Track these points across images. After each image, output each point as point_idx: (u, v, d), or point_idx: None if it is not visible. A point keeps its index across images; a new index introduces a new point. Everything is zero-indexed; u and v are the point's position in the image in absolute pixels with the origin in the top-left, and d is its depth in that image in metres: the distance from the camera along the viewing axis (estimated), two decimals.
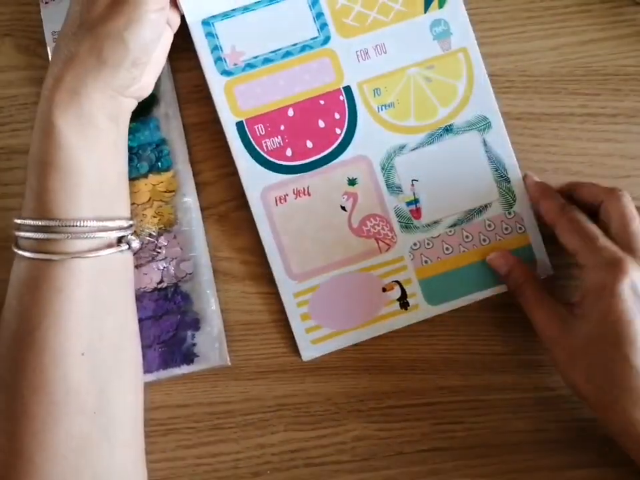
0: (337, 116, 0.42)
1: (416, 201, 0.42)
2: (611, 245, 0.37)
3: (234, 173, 0.42)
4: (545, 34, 0.44)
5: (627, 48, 0.44)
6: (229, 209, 0.43)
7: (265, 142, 0.42)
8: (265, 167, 0.42)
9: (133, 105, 0.39)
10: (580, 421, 0.43)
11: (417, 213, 0.42)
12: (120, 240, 0.38)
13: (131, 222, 0.38)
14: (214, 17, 0.41)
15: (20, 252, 0.35)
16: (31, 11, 0.43)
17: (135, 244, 0.38)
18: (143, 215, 0.42)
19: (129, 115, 0.38)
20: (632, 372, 0.35)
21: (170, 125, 0.42)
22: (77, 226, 0.35)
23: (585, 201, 0.40)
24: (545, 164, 0.44)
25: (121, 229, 0.37)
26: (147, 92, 0.39)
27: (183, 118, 0.43)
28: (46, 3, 0.43)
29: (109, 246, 0.37)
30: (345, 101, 0.42)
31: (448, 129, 0.42)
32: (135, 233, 0.39)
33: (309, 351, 0.42)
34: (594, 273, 0.37)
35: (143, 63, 0.36)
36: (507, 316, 0.44)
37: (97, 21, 0.35)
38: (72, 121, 0.35)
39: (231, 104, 0.41)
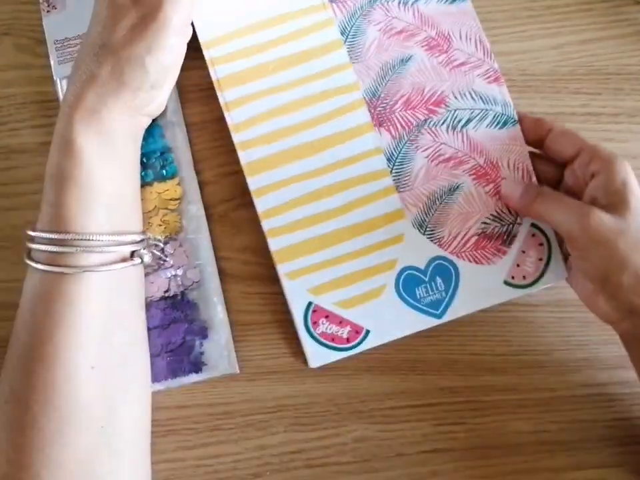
0: None
1: None
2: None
3: (234, 172, 0.42)
4: (546, 33, 0.44)
5: (628, 47, 0.44)
6: (229, 209, 0.43)
7: None
8: None
9: (148, 122, 0.39)
10: (581, 421, 0.43)
11: None
12: (132, 254, 0.38)
13: (143, 236, 0.38)
14: None
15: (33, 264, 0.35)
16: (31, 11, 0.43)
17: (147, 258, 0.38)
18: (149, 223, 0.41)
19: (143, 132, 0.39)
20: None
21: (174, 132, 0.42)
22: (91, 240, 0.35)
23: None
24: None
25: (134, 243, 0.37)
26: (161, 109, 0.40)
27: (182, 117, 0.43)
28: (47, 11, 0.43)
29: (122, 260, 0.37)
30: None
31: None
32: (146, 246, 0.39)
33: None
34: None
35: (162, 84, 0.37)
36: (507, 316, 0.43)
37: (119, 44, 0.35)
38: (92, 138, 0.35)
39: None
